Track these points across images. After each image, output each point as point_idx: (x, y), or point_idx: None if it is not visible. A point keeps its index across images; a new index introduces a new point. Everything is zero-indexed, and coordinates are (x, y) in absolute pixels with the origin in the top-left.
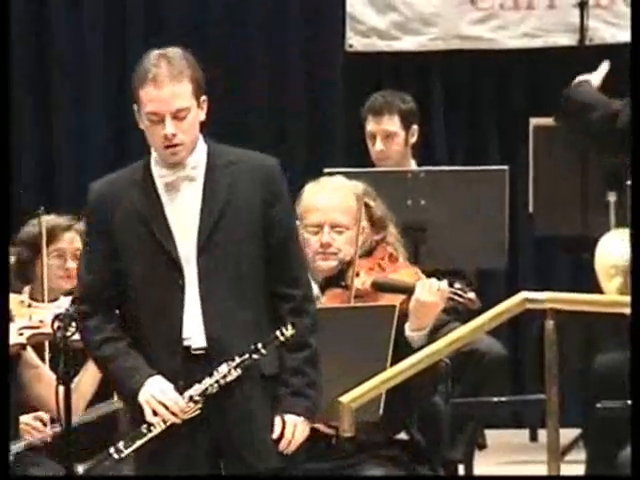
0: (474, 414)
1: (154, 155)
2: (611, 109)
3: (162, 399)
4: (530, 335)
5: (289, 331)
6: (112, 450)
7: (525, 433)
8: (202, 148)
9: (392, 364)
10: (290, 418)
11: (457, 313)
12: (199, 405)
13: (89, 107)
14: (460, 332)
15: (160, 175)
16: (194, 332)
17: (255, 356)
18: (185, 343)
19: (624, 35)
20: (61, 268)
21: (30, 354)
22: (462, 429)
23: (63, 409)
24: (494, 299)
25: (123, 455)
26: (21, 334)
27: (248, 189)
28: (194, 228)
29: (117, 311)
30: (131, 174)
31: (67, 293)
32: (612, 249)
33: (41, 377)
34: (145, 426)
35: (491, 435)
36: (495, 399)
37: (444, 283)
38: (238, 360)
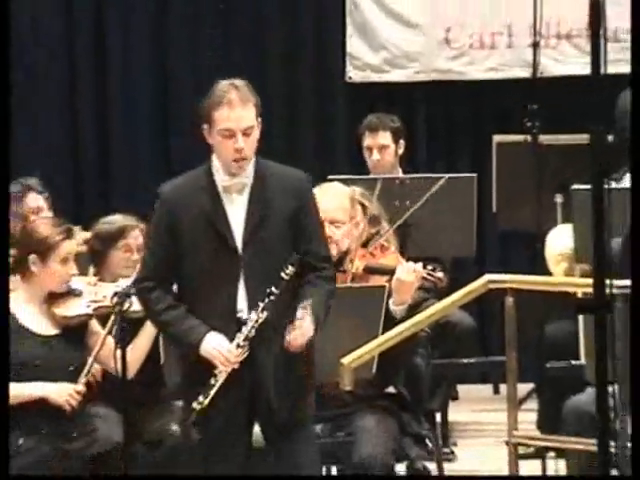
0: (448, 373)
1: (214, 164)
2: None
3: (220, 349)
4: (494, 309)
5: (289, 269)
6: (195, 404)
7: (489, 387)
8: (252, 161)
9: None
10: (300, 312)
11: (434, 292)
12: (245, 350)
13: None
14: (437, 307)
15: (221, 180)
16: (244, 306)
17: (272, 297)
18: (238, 315)
19: (568, 69)
20: (128, 260)
21: (94, 323)
22: (439, 384)
23: (120, 368)
24: (465, 281)
25: (204, 405)
26: (88, 306)
27: (284, 197)
28: (242, 228)
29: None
30: (196, 180)
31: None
32: (558, 240)
33: (103, 342)
34: (212, 378)
35: (462, 389)
36: (465, 360)
37: (419, 265)
38: (262, 305)
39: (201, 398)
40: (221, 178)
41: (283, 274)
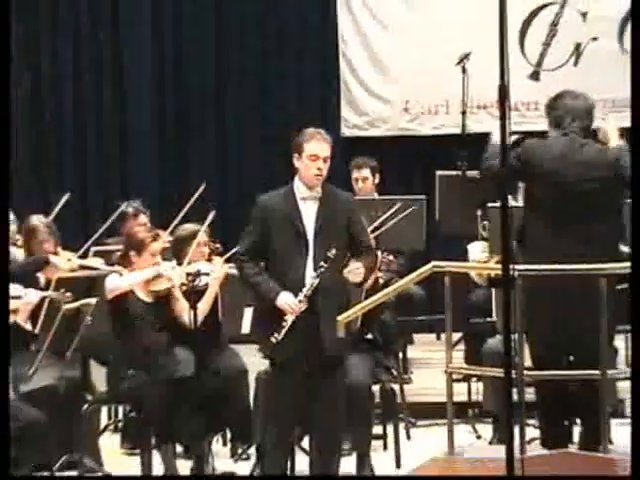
0: (407, 326)
1: (296, 183)
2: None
3: (289, 302)
4: (437, 285)
5: (332, 252)
6: (272, 339)
7: (434, 335)
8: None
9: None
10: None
11: (398, 273)
12: (304, 304)
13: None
14: (400, 283)
15: (300, 192)
16: (309, 279)
17: (321, 269)
18: (304, 289)
19: (485, 128)
20: (202, 253)
21: (177, 291)
22: (401, 333)
23: (193, 320)
24: (418, 266)
25: (279, 339)
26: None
27: (340, 207)
28: (312, 225)
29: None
30: (282, 193)
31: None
32: (474, 252)
33: (182, 304)
34: (283, 322)
35: (416, 336)
36: (418, 318)
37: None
38: (315, 274)
39: (276, 334)
40: (300, 192)
41: (329, 254)
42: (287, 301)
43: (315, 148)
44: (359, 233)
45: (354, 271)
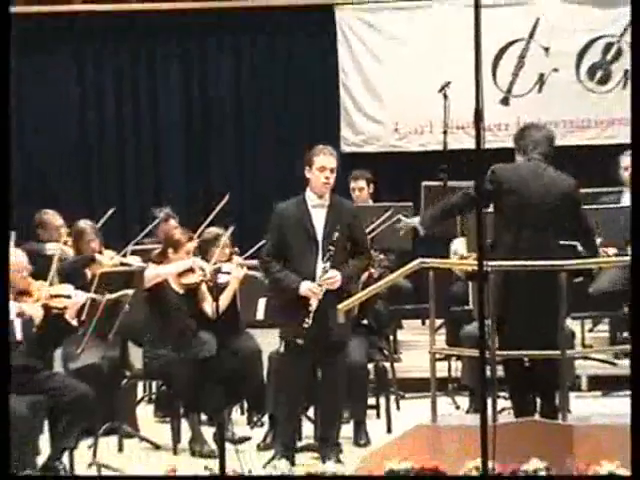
0: (397, 313)
1: (307, 193)
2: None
3: (310, 287)
4: (423, 278)
5: (332, 248)
6: (305, 324)
7: (419, 321)
8: (329, 193)
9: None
10: (333, 271)
11: (389, 268)
12: (322, 288)
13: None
14: (391, 277)
15: (311, 200)
16: (319, 271)
17: (327, 263)
18: (316, 279)
19: (464, 146)
20: (224, 254)
21: (203, 285)
22: (392, 319)
23: (215, 310)
24: (406, 262)
25: (309, 324)
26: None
27: (345, 214)
28: (321, 229)
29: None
30: (295, 202)
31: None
32: (456, 248)
33: (206, 296)
34: (310, 307)
35: (405, 322)
36: (407, 306)
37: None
38: (327, 256)
39: (307, 319)
40: (311, 200)
41: (333, 237)
42: (309, 287)
43: (323, 161)
44: (359, 237)
45: (328, 280)
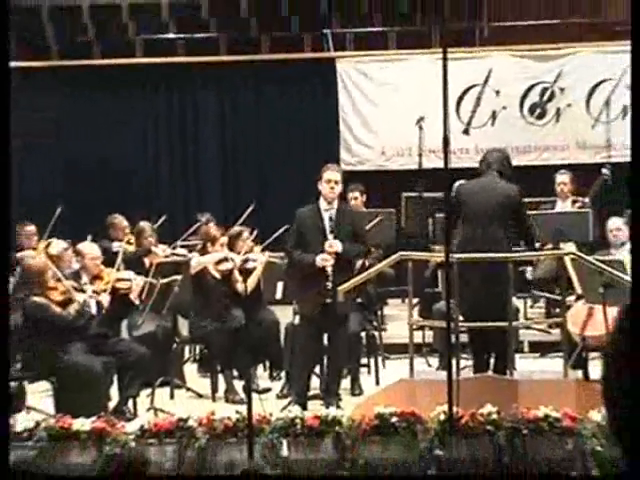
0: (384, 294)
1: (321, 201)
2: None
3: (323, 256)
4: (403, 268)
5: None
6: (327, 288)
7: (400, 300)
8: (337, 200)
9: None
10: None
11: (377, 259)
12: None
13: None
14: (378, 267)
15: (322, 206)
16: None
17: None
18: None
19: (436, 165)
20: (249, 246)
21: (236, 271)
22: (379, 298)
23: (244, 289)
24: (390, 254)
25: (329, 285)
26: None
27: (347, 216)
28: (329, 227)
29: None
30: (311, 208)
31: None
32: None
33: (238, 279)
34: (330, 276)
35: (390, 301)
36: (391, 288)
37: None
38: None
39: (328, 284)
40: (322, 206)
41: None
42: (321, 257)
43: (329, 175)
44: (359, 232)
45: (331, 247)
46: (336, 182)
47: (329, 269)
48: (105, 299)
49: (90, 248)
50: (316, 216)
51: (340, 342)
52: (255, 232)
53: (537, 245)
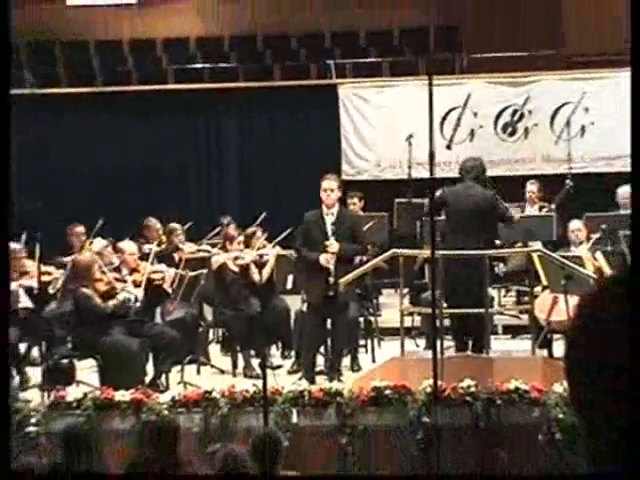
0: (379, 285)
1: (323, 207)
2: None
3: (326, 257)
4: (396, 262)
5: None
6: (330, 283)
7: (393, 290)
8: (337, 205)
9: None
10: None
11: (372, 256)
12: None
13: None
14: (372, 262)
15: (325, 212)
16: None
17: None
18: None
19: (423, 175)
20: (261, 243)
21: (252, 264)
22: (375, 289)
23: (259, 280)
24: (385, 251)
25: (332, 279)
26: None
27: (347, 219)
28: (330, 228)
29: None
30: (314, 213)
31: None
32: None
33: (254, 271)
34: (331, 271)
35: (384, 291)
36: (385, 280)
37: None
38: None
39: (330, 278)
40: (324, 211)
41: (328, 243)
42: (324, 256)
43: (325, 184)
44: (357, 234)
45: (329, 246)
46: (332, 190)
47: (331, 266)
48: (140, 294)
49: (129, 245)
50: (319, 219)
51: (341, 327)
52: (266, 233)
53: (510, 242)
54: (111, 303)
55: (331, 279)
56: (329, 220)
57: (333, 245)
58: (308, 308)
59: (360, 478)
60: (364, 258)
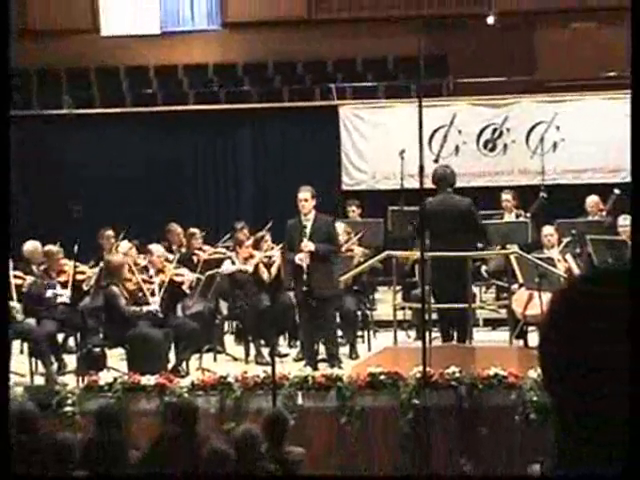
0: (374, 282)
1: (301, 215)
2: None
3: (300, 256)
4: (389, 263)
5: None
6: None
7: (387, 287)
8: (313, 212)
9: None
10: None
11: (369, 257)
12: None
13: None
14: (369, 262)
15: (303, 219)
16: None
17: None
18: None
19: (414, 185)
20: (268, 246)
21: (261, 264)
22: (370, 286)
23: (267, 278)
24: (380, 253)
25: (305, 277)
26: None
27: (325, 225)
28: (309, 232)
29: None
30: (295, 220)
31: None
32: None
33: (263, 270)
34: (303, 269)
35: (379, 287)
36: (379, 278)
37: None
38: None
39: (304, 275)
40: (303, 218)
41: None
42: (298, 256)
43: (300, 195)
44: (331, 236)
45: (305, 247)
46: (306, 200)
47: (304, 264)
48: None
49: (156, 248)
50: (298, 225)
51: (323, 320)
52: (270, 236)
53: (489, 246)
54: (132, 309)
55: (304, 276)
56: (308, 224)
57: (308, 245)
58: (297, 303)
59: (360, 478)
60: (361, 259)
